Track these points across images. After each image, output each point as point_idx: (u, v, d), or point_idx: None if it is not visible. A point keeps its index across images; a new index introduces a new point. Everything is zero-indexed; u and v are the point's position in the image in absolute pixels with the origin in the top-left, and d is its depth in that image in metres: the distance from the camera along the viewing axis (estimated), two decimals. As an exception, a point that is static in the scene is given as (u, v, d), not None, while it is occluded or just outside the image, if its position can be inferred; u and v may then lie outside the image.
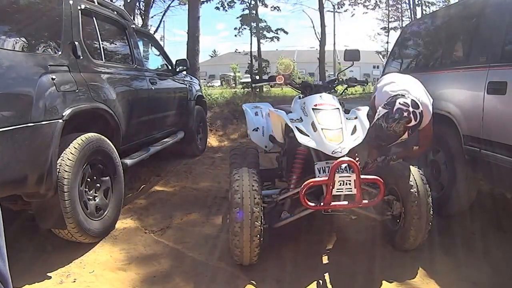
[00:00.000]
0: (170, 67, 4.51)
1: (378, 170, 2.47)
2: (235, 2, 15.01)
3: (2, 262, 0.54)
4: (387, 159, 2.52)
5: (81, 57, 2.46)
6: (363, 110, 2.39)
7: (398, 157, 2.59)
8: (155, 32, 14.99)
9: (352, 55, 2.68)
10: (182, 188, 3.72)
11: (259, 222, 1.94)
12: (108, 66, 2.93)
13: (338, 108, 2.23)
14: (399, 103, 2.28)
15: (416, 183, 2.10)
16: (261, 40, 15.33)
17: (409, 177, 2.13)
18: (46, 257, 2.22)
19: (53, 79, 2.11)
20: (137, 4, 12.94)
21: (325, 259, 2.27)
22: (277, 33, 15.55)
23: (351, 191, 1.94)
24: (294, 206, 2.23)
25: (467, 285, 1.96)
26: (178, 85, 4.51)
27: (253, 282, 2.01)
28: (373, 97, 2.82)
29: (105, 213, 2.52)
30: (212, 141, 6.39)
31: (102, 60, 2.86)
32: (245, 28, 15.18)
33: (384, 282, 1.99)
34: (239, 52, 16.71)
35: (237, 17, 15.04)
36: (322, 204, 1.97)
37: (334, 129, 2.08)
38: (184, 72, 4.79)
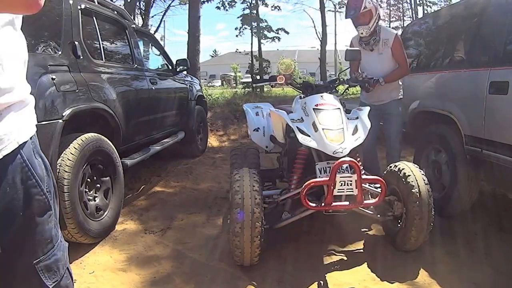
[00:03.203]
0: (170, 67, 4.51)
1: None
2: (235, 2, 14.90)
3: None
4: (374, 79, 2.85)
5: (81, 57, 2.46)
6: (365, 110, 2.38)
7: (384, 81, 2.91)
8: (155, 32, 14.99)
9: (353, 55, 2.67)
10: (182, 188, 3.72)
11: (260, 222, 1.93)
12: (108, 66, 2.93)
13: (339, 108, 2.22)
14: None
15: (417, 183, 2.09)
16: (262, 40, 15.25)
17: (411, 177, 2.12)
18: (46, 257, 2.21)
19: (53, 79, 2.10)
20: (138, 3, 12.94)
21: (326, 260, 2.26)
22: (278, 33, 15.45)
23: (352, 191, 1.93)
24: (295, 206, 2.23)
25: (468, 285, 1.95)
26: (178, 85, 4.50)
27: (253, 283, 2.00)
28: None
29: (105, 213, 2.52)
30: (213, 141, 6.38)
31: (102, 60, 2.86)
32: (245, 28, 15.09)
33: (385, 282, 1.98)
34: (240, 52, 16.63)
35: (238, 17, 14.97)
36: (323, 204, 1.97)
37: (335, 129, 2.08)
38: (185, 72, 4.79)
